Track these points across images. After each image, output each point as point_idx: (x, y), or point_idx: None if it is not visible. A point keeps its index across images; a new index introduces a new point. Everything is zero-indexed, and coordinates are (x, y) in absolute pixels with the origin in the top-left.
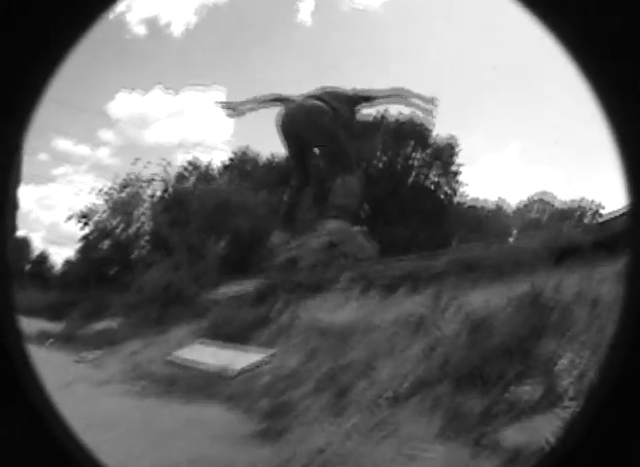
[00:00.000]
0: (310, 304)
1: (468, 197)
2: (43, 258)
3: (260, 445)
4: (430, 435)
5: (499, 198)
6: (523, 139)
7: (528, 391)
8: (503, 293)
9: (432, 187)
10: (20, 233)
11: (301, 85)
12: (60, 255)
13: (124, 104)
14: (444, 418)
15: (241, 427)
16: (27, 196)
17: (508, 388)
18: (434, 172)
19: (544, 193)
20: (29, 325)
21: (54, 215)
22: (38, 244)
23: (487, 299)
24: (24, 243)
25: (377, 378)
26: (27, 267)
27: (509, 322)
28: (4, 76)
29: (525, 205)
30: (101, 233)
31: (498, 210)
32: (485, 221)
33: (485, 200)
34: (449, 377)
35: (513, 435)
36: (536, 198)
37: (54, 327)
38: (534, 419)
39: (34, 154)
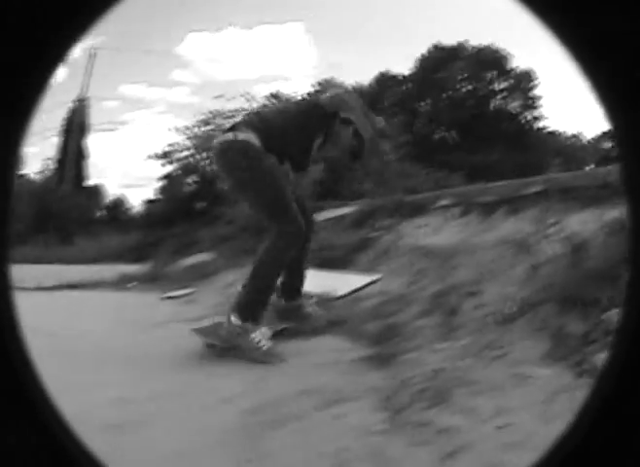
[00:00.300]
0: (410, 226)
1: (547, 125)
2: (118, 202)
3: (370, 370)
4: (536, 357)
5: (576, 129)
6: None
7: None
8: (596, 217)
9: (514, 113)
10: (93, 180)
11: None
12: (137, 198)
13: (196, 45)
14: (550, 340)
15: (349, 353)
16: (100, 143)
17: (603, 313)
18: (514, 99)
19: None
20: (108, 271)
21: (130, 159)
22: (113, 190)
23: (583, 222)
24: (96, 190)
25: (484, 299)
26: (101, 213)
27: (604, 246)
28: (4, 72)
29: (601, 136)
30: (186, 169)
31: (576, 139)
32: (564, 149)
33: (564, 130)
34: (553, 298)
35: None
36: (608, 129)
37: (138, 269)
38: None
39: (102, 102)
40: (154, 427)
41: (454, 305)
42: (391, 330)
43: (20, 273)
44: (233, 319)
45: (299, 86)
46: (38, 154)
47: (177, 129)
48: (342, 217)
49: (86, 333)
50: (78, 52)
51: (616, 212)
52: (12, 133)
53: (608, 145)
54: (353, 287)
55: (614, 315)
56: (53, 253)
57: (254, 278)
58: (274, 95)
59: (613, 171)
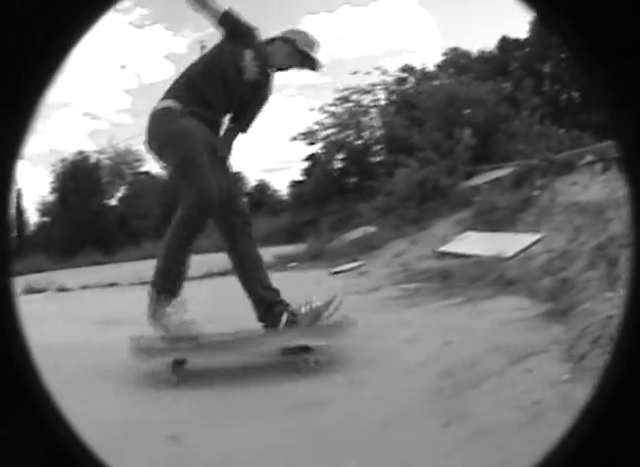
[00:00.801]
0: (563, 184)
1: None
2: (262, 187)
3: (551, 324)
4: None
5: None
6: None
7: None
8: None
9: None
10: (233, 168)
11: None
12: (280, 181)
13: (315, 26)
14: None
15: (530, 310)
16: None
17: None
18: None
19: None
20: (265, 255)
21: (269, 143)
22: (254, 175)
23: None
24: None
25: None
26: (244, 199)
27: None
28: (6, 71)
29: None
30: (333, 146)
31: None
32: None
33: None
34: None
35: None
36: None
37: (294, 248)
38: None
39: None
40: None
41: (614, 256)
42: (564, 284)
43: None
44: (150, 292)
45: (426, 57)
46: None
47: (320, 109)
48: (499, 179)
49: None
50: (182, 47)
51: None
52: (13, 131)
53: None
54: (520, 247)
55: None
56: (196, 244)
57: (164, 248)
58: (406, 68)
59: None
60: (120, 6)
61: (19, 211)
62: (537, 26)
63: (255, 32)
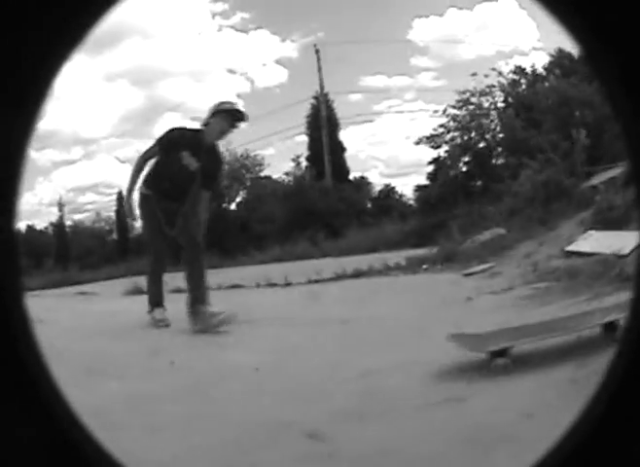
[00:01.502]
0: None
1: None
2: (388, 192)
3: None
4: None
5: None
6: None
7: None
8: None
9: None
10: (355, 173)
11: None
12: (404, 185)
13: (425, 30)
14: None
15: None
16: (353, 136)
17: None
18: None
19: None
20: (392, 258)
21: (389, 148)
22: (377, 180)
23: None
24: (362, 182)
25: None
26: (371, 204)
27: None
28: (13, 67)
29: None
30: (457, 149)
31: None
32: None
33: None
34: None
35: None
36: None
37: (426, 252)
38: None
39: (343, 97)
40: (490, 396)
41: None
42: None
43: (281, 271)
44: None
45: (534, 59)
46: (275, 155)
47: (439, 112)
48: (613, 178)
49: (397, 315)
50: (292, 51)
51: None
52: (19, 130)
53: None
54: (636, 244)
55: None
56: (322, 248)
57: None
58: (517, 70)
59: None
60: (216, 8)
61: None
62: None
63: (184, 138)
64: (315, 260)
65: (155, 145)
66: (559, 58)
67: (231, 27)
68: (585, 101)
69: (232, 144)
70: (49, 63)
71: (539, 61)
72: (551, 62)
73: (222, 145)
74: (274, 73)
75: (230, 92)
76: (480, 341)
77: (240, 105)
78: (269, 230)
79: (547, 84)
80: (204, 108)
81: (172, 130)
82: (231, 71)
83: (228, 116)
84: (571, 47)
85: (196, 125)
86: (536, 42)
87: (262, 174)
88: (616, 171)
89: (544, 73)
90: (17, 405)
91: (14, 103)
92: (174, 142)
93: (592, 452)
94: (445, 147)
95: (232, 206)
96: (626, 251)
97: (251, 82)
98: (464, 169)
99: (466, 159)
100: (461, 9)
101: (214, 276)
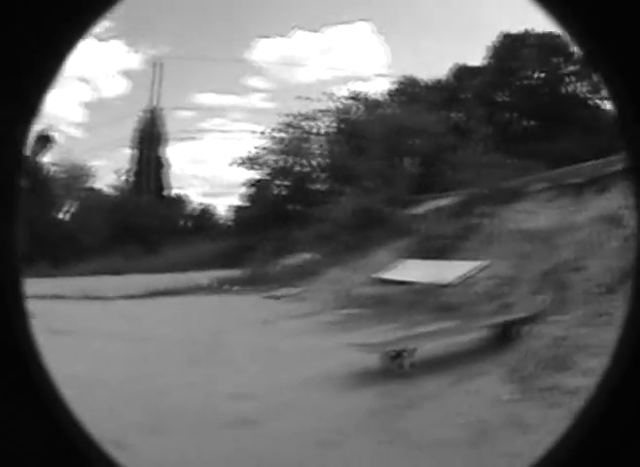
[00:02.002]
0: (509, 211)
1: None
2: (204, 211)
3: (494, 346)
4: None
5: None
6: None
7: None
8: None
9: (585, 97)
10: (175, 190)
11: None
12: (223, 205)
13: (265, 50)
14: None
15: (470, 335)
16: (178, 153)
17: None
18: (583, 82)
19: None
20: (201, 277)
21: (211, 168)
22: (197, 198)
23: None
24: (180, 200)
25: (588, 273)
26: (188, 222)
27: None
28: (13, 62)
29: None
30: (275, 172)
31: None
32: None
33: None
34: None
35: None
36: None
37: (234, 273)
38: None
39: (174, 112)
40: (285, 419)
41: (563, 280)
42: (507, 308)
43: (98, 284)
44: None
45: (376, 85)
46: (107, 166)
47: (260, 134)
48: (442, 208)
49: (198, 335)
50: (138, 63)
51: None
52: (20, 121)
53: None
54: (461, 273)
55: None
56: (137, 264)
57: None
58: (354, 96)
59: None
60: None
61: None
62: (494, 53)
63: None
64: (132, 275)
65: None
66: (405, 86)
67: (94, 36)
68: (420, 130)
69: (68, 154)
70: (47, 62)
71: (382, 88)
72: (393, 89)
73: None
74: (118, 84)
75: (76, 100)
76: (381, 346)
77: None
78: (94, 242)
79: (382, 111)
80: (55, 114)
81: None
82: (82, 79)
83: (39, 140)
84: (422, 74)
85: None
86: (384, 68)
87: (91, 186)
88: (447, 200)
89: (382, 100)
90: (18, 405)
91: (11, 104)
92: None
93: (588, 455)
94: (266, 169)
95: (65, 217)
96: (449, 281)
97: (96, 91)
98: (283, 193)
99: (285, 182)
100: (308, 31)
101: (41, 285)
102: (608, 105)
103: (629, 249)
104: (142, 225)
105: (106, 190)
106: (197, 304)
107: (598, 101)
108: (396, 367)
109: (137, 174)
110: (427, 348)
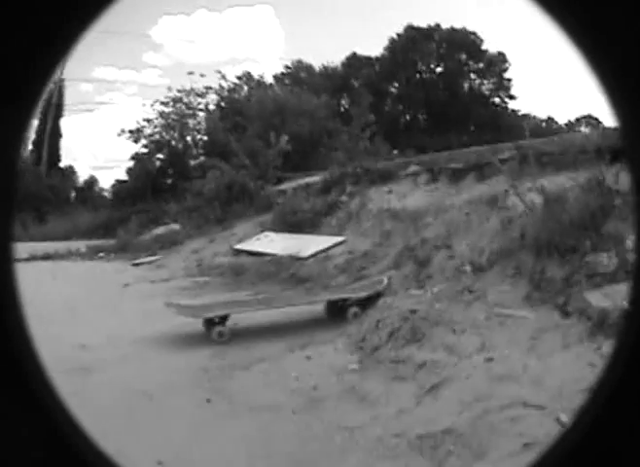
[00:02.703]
0: (379, 191)
1: (519, 109)
2: (90, 182)
3: (343, 316)
4: (517, 299)
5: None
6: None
7: (604, 261)
8: (570, 178)
9: (487, 94)
10: (66, 161)
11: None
12: (111, 178)
13: (168, 28)
14: (529, 284)
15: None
16: (72, 125)
17: (585, 257)
18: (487, 81)
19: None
20: (79, 245)
21: (102, 141)
22: (86, 171)
23: (557, 183)
24: (69, 172)
25: (457, 251)
26: (73, 194)
27: (579, 200)
28: (10, 61)
29: (577, 119)
30: (155, 145)
31: (549, 122)
32: (538, 130)
33: (536, 114)
34: (528, 246)
35: (597, 299)
36: (584, 114)
37: (108, 242)
38: (614, 287)
39: (76, 84)
40: (119, 370)
41: (424, 257)
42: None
43: None
44: None
45: (268, 67)
46: None
47: (147, 107)
48: (310, 185)
49: (61, 295)
50: None
51: (592, 173)
52: (17, 119)
53: (583, 130)
54: (318, 248)
55: (598, 257)
56: (27, 232)
57: None
58: (242, 76)
59: (590, 136)
60: None
61: None
62: (394, 44)
63: None
64: (22, 242)
65: None
66: (296, 70)
67: None
68: (303, 111)
69: None
70: (42, 66)
71: (274, 71)
72: (284, 73)
73: None
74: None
75: None
76: (197, 310)
77: None
78: None
79: (267, 92)
80: None
81: None
82: None
83: None
84: (316, 60)
85: None
86: (280, 52)
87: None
88: (313, 178)
89: (271, 82)
90: (10, 401)
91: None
92: None
93: (591, 450)
94: (148, 143)
95: None
96: (306, 254)
97: None
98: (158, 165)
99: (161, 156)
100: (211, 11)
101: None
102: (510, 105)
103: (506, 231)
104: (35, 195)
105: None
106: (70, 268)
107: (499, 100)
108: (214, 334)
109: (36, 145)
110: (262, 316)
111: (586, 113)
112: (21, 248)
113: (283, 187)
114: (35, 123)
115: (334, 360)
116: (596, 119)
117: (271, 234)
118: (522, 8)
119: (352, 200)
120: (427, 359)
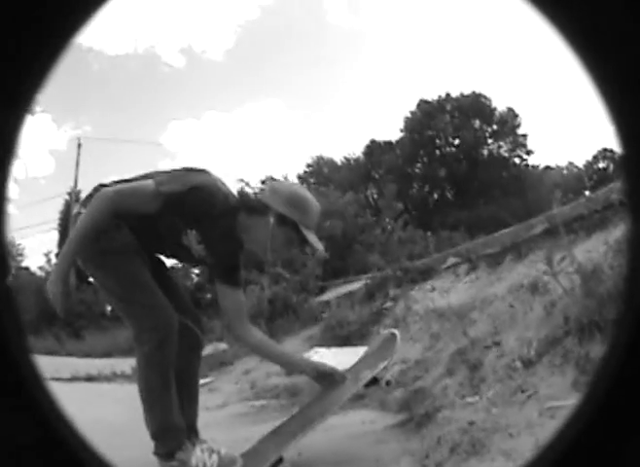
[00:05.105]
0: (422, 290)
1: (539, 163)
2: None
3: (403, 435)
4: (566, 388)
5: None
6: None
7: None
8: (602, 240)
9: (506, 156)
10: None
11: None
12: None
13: (178, 134)
14: (575, 370)
15: (382, 421)
16: None
17: None
18: (504, 140)
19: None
20: (124, 365)
21: None
22: None
23: (589, 250)
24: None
25: (506, 347)
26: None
27: (613, 268)
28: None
29: (594, 157)
30: None
31: (570, 166)
32: (561, 180)
33: (556, 163)
34: (572, 331)
35: None
36: (601, 148)
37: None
38: None
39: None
40: None
41: (476, 359)
42: (418, 394)
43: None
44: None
45: (290, 167)
46: (38, 247)
47: None
48: (352, 292)
49: (103, 420)
50: (63, 142)
51: (620, 231)
52: (11, 126)
53: (602, 165)
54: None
55: None
56: (64, 347)
57: (144, 403)
58: (269, 179)
59: (613, 189)
60: None
61: None
62: (410, 123)
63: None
64: (60, 357)
65: None
66: (318, 166)
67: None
68: (334, 212)
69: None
70: (37, 66)
71: (295, 169)
72: (307, 171)
73: None
74: (45, 163)
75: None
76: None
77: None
78: (25, 322)
79: None
80: None
81: None
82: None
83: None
84: (331, 154)
85: None
86: (297, 147)
87: (22, 265)
88: (357, 285)
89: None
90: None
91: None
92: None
93: (584, 452)
94: None
95: None
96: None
97: (26, 169)
98: (196, 281)
99: (196, 270)
100: (219, 111)
101: None
102: (529, 161)
103: (551, 317)
104: (69, 309)
105: (35, 270)
106: (115, 392)
107: (518, 159)
108: None
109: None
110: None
111: (601, 147)
112: (62, 364)
113: (325, 297)
114: (58, 236)
115: None
116: (611, 151)
117: (322, 350)
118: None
119: (397, 305)
120: None
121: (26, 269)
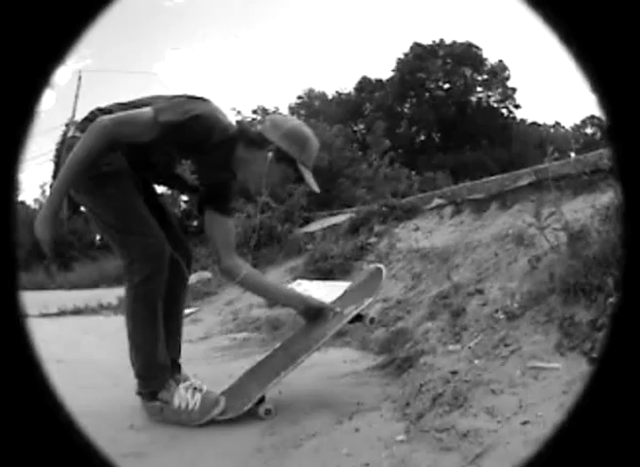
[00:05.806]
0: (405, 229)
1: (527, 117)
2: None
3: (385, 378)
4: (549, 349)
5: (554, 119)
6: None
7: None
8: (589, 203)
9: (495, 106)
10: None
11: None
12: None
13: (175, 63)
14: (559, 331)
15: (362, 362)
16: None
17: (609, 298)
18: (493, 91)
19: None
20: (111, 296)
21: None
22: None
23: (575, 210)
24: None
25: (489, 296)
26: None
27: (600, 232)
28: (8, 71)
29: (582, 121)
30: None
31: (557, 128)
32: (548, 137)
33: (544, 121)
34: (557, 290)
35: None
36: (589, 115)
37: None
38: None
39: None
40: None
41: (458, 305)
42: (400, 335)
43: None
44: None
45: (281, 99)
46: (33, 180)
47: None
48: (337, 225)
49: (92, 357)
50: (65, 76)
51: (607, 197)
52: (18, 126)
53: (589, 131)
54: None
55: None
56: (54, 280)
57: (130, 338)
58: (257, 110)
59: (603, 155)
60: None
61: None
62: (402, 65)
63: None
64: (50, 291)
65: None
66: (309, 99)
67: None
68: (321, 143)
69: None
70: (40, 68)
71: (285, 101)
72: (297, 103)
73: None
74: (45, 97)
75: None
76: (236, 402)
77: None
78: (21, 257)
79: None
80: None
81: None
82: None
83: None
84: (324, 87)
85: None
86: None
87: (18, 199)
88: (342, 218)
89: (286, 113)
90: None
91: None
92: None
93: (582, 449)
94: None
95: None
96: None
97: None
98: (184, 208)
99: (185, 198)
100: (216, 39)
101: None
102: (517, 113)
103: (535, 271)
104: (58, 240)
105: (30, 203)
106: (104, 325)
107: (506, 110)
108: (262, 413)
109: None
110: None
111: (589, 114)
112: (50, 299)
113: (310, 228)
114: (53, 168)
115: (381, 430)
116: (599, 118)
117: (304, 282)
118: (512, 12)
119: (380, 241)
120: (470, 427)
121: (22, 203)
